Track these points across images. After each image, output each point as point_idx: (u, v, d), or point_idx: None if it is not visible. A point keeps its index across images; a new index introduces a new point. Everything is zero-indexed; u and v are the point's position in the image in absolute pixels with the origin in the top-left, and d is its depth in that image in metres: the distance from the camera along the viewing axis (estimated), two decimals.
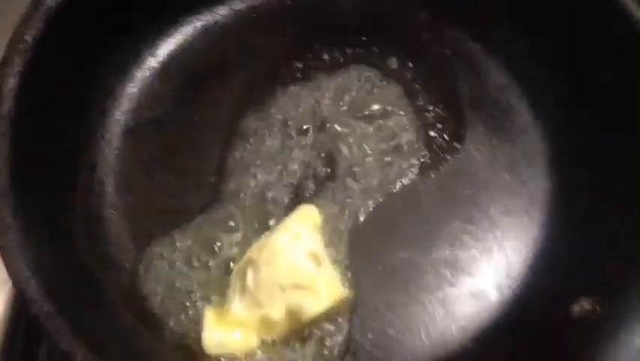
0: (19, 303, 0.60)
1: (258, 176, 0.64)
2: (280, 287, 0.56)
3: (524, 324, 0.59)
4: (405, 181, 0.65)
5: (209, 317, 0.57)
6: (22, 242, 0.48)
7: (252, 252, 0.59)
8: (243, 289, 0.57)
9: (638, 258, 0.53)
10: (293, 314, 0.56)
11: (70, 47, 0.61)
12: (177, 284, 0.59)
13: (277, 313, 0.56)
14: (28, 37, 0.56)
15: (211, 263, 0.60)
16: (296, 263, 0.57)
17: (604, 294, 0.55)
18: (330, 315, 0.58)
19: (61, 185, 0.59)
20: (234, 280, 0.58)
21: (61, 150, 0.60)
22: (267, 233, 0.61)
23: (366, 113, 0.68)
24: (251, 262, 0.58)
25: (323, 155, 0.66)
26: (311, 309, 0.56)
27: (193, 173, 0.65)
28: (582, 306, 0.56)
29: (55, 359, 0.61)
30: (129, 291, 0.59)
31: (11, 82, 0.54)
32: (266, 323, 0.56)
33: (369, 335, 0.59)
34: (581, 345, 0.54)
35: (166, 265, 0.60)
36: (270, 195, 0.64)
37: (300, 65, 0.70)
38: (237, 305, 0.57)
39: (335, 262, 0.60)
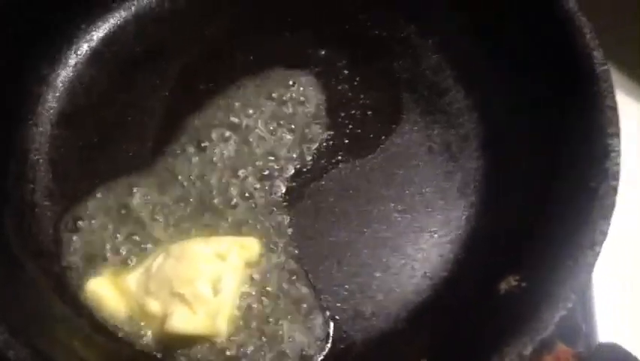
0: None
1: (193, 160, 0.65)
2: (170, 288, 0.56)
3: (455, 302, 0.60)
4: (342, 163, 0.66)
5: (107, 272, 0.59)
6: None
7: (177, 243, 0.59)
8: (147, 269, 0.57)
9: (557, 236, 0.54)
10: (165, 319, 0.56)
11: (0, 33, 0.60)
12: None
13: (154, 308, 0.56)
14: None
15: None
16: (195, 279, 0.56)
17: (528, 270, 0.56)
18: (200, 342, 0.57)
19: None
20: (150, 256, 0.59)
21: None
22: (207, 234, 0.61)
23: (301, 98, 0.68)
24: (167, 251, 0.58)
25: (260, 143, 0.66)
26: (178, 323, 0.55)
27: (128, 158, 0.65)
28: (509, 282, 0.58)
29: None
30: (61, 280, 0.59)
31: None
32: (142, 309, 0.57)
33: None
34: (508, 319, 0.55)
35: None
36: (203, 179, 0.64)
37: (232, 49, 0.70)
38: (133, 277, 0.58)
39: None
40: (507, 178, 0.64)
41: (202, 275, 0.57)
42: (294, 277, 0.61)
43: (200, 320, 0.56)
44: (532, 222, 0.59)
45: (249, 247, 0.60)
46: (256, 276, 0.60)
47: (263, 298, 0.59)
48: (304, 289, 0.60)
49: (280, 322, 0.58)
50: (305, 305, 0.59)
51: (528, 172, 0.62)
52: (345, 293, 0.61)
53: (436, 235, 0.63)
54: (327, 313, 0.59)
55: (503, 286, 0.57)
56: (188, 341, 0.56)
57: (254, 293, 0.59)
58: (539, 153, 0.62)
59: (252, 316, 0.58)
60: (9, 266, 0.55)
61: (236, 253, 0.59)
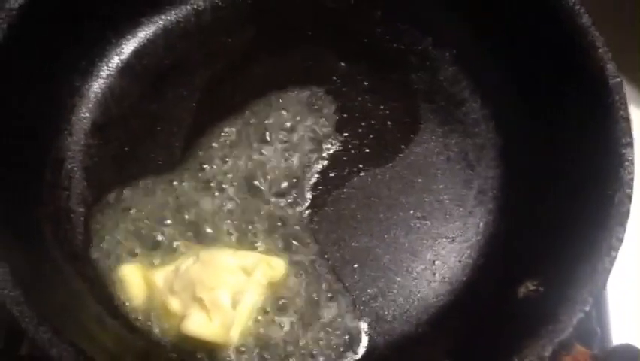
0: None
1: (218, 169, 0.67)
2: (193, 291, 0.58)
3: (474, 306, 0.62)
4: (362, 172, 0.68)
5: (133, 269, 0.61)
6: None
7: (208, 249, 0.61)
8: (176, 268, 0.60)
9: (574, 242, 0.56)
10: (182, 319, 0.58)
11: (36, 47, 0.63)
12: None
13: (175, 306, 0.58)
14: None
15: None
16: (217, 287, 0.58)
17: (545, 275, 0.58)
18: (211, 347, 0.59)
19: (29, 180, 0.62)
20: (181, 257, 0.61)
21: (27, 147, 0.63)
22: (235, 245, 0.63)
23: (322, 110, 0.71)
24: (197, 255, 0.60)
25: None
26: (193, 326, 0.57)
27: (157, 166, 0.67)
28: (527, 287, 0.59)
29: None
30: (95, 282, 0.61)
31: None
32: (163, 305, 0.59)
33: None
34: (527, 322, 0.57)
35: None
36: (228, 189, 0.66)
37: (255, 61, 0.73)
38: (161, 274, 0.60)
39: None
40: (523, 186, 0.66)
41: (224, 285, 0.58)
42: (316, 282, 0.62)
43: (214, 328, 0.57)
44: (549, 228, 0.61)
45: (275, 267, 0.62)
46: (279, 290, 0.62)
47: (280, 308, 0.61)
48: (326, 294, 0.62)
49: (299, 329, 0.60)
50: (326, 309, 0.61)
51: (544, 180, 0.64)
52: (367, 297, 0.63)
53: (454, 241, 0.65)
54: (348, 316, 0.61)
55: (522, 291, 0.59)
56: (199, 344, 0.58)
57: (271, 310, 0.61)
58: (555, 162, 0.64)
59: (268, 327, 0.60)
60: (49, 270, 0.57)
61: (262, 271, 0.61)
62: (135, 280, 0.60)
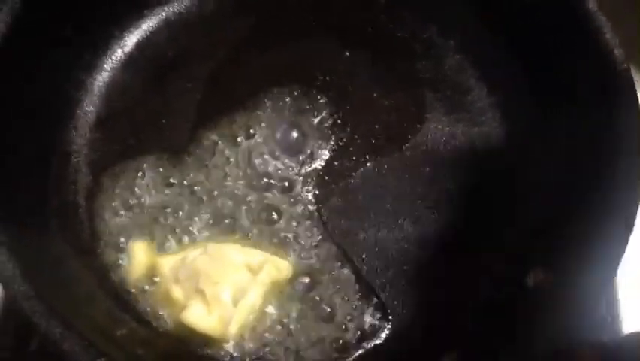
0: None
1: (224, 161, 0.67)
2: (196, 282, 0.58)
3: (485, 296, 0.62)
4: (369, 162, 0.68)
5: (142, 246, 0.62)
6: None
7: (216, 243, 0.62)
8: (183, 258, 0.60)
9: (584, 229, 0.56)
10: (183, 308, 0.58)
11: (38, 41, 0.62)
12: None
13: (177, 295, 0.58)
14: None
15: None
16: (220, 282, 0.58)
17: (557, 264, 0.58)
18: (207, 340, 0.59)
19: (34, 174, 0.62)
20: (189, 248, 0.62)
21: (32, 142, 0.62)
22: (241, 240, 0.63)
23: (326, 100, 0.70)
24: (205, 247, 0.60)
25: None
26: (192, 317, 0.57)
27: (163, 159, 0.67)
28: (536, 275, 0.59)
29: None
30: (104, 276, 0.61)
31: None
32: (165, 293, 0.59)
33: None
34: (539, 312, 0.57)
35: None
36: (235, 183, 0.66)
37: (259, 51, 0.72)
38: (168, 261, 0.60)
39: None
40: (532, 174, 0.66)
41: (227, 281, 0.58)
42: (322, 276, 0.62)
43: (212, 321, 0.57)
44: (560, 217, 0.61)
45: (281, 268, 0.62)
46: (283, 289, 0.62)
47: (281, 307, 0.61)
48: (334, 287, 0.62)
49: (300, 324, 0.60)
50: (332, 304, 0.61)
51: (552, 167, 0.64)
52: (375, 289, 0.62)
53: (462, 230, 0.65)
54: (356, 310, 0.61)
55: (532, 280, 0.59)
56: (197, 334, 0.58)
57: (274, 308, 0.61)
58: (563, 149, 0.64)
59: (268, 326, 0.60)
60: (57, 265, 0.57)
61: (267, 271, 0.60)
62: (140, 256, 0.61)
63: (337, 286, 0.62)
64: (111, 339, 0.54)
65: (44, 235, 0.59)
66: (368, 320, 0.61)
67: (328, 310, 0.61)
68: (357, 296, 0.62)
